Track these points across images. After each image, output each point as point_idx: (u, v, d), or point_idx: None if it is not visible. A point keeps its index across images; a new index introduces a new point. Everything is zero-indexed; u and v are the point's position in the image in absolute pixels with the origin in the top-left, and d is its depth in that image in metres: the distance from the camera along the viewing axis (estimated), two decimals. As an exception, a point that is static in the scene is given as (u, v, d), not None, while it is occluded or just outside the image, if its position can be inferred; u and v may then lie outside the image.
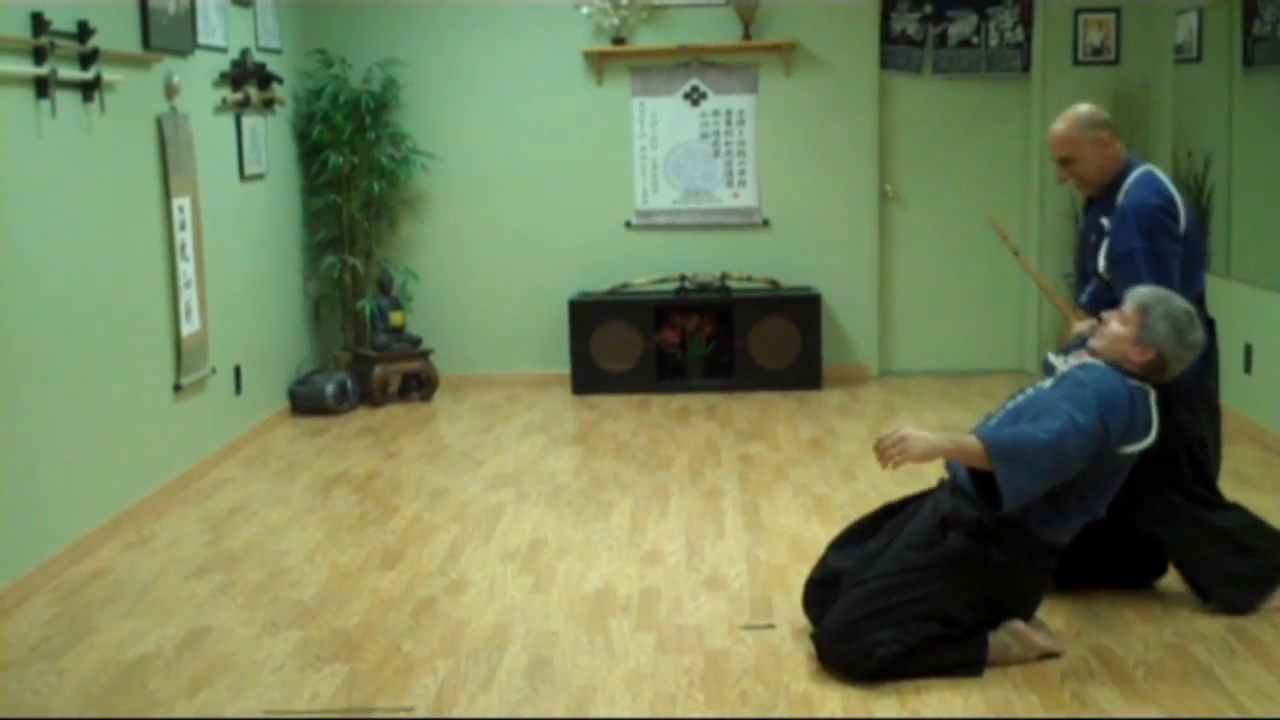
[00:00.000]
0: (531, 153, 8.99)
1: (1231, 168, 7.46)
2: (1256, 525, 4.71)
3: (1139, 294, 4.25)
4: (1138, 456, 4.22)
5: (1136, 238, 4.49)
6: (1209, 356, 4.61)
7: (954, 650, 4.14)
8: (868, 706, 3.95)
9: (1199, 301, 4.63)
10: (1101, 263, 4.61)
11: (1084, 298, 4.78)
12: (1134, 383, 4.17)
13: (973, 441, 4.05)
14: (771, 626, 4.60)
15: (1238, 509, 4.76)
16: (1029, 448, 3.98)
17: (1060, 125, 4.73)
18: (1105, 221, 4.63)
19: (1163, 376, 4.22)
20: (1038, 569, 4.23)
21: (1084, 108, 4.76)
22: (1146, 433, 4.17)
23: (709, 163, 8.98)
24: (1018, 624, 4.22)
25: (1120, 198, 4.60)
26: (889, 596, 4.10)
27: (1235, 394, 7.30)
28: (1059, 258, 8.89)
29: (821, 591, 4.38)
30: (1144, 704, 3.92)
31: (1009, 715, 3.87)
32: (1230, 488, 6.08)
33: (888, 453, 4.02)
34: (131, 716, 4.07)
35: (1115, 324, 4.24)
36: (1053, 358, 4.50)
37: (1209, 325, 4.60)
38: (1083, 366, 4.26)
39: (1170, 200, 4.56)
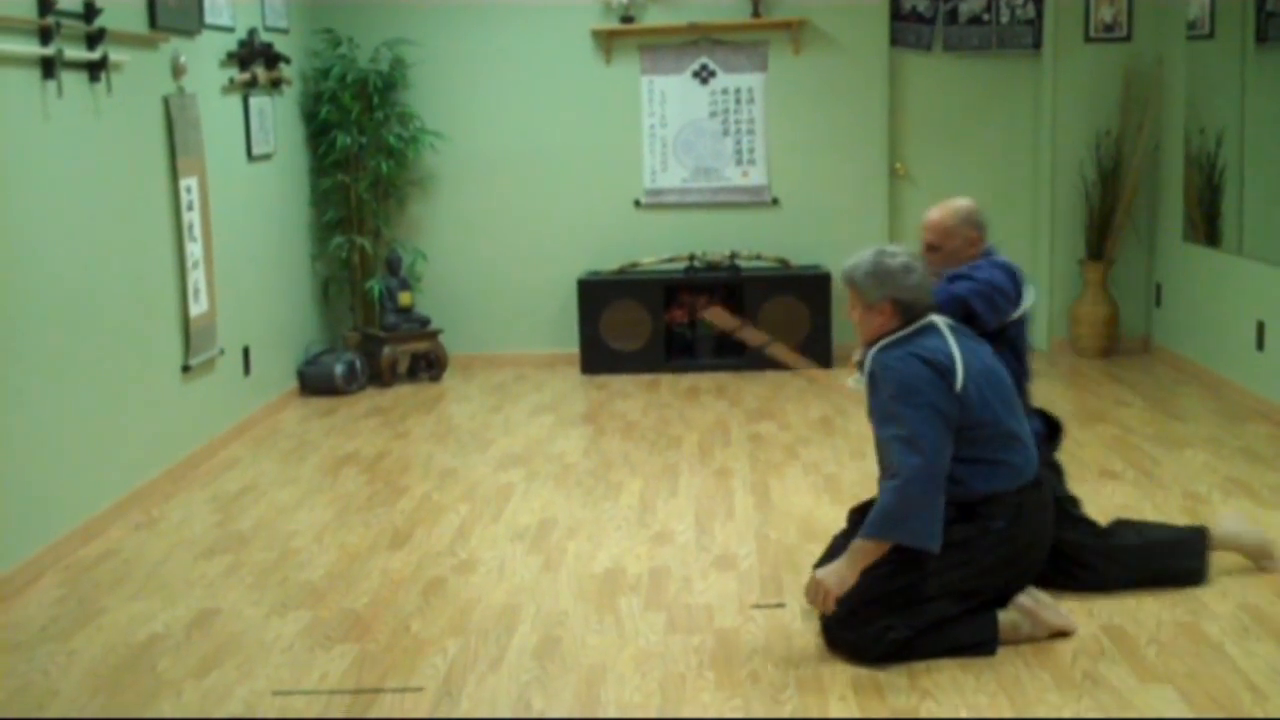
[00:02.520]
0: (540, 132, 8.97)
1: (1244, 145, 7.42)
2: (1141, 526, 4.90)
3: (842, 272, 4.30)
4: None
5: (978, 280, 4.61)
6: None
7: (965, 630, 4.12)
8: (878, 685, 3.94)
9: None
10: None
11: None
12: (914, 345, 4.12)
13: (863, 545, 4.07)
14: (782, 605, 4.59)
15: (1119, 524, 4.88)
16: (894, 506, 4.01)
17: (939, 214, 4.81)
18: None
19: (922, 306, 4.18)
20: (1012, 537, 4.17)
21: (965, 204, 4.85)
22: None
23: (718, 141, 8.95)
24: (1028, 602, 4.20)
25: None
26: (895, 580, 4.08)
27: (1247, 371, 7.29)
28: (1071, 236, 8.86)
29: None
30: (1156, 682, 3.90)
31: (1020, 693, 3.86)
32: (1241, 466, 6.09)
33: (820, 607, 4.12)
34: (141, 698, 4.07)
35: (852, 317, 4.31)
36: (853, 385, 4.51)
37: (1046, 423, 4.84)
38: (870, 376, 4.22)
39: (1011, 281, 4.66)
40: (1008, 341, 4.66)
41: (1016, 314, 4.68)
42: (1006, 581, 4.21)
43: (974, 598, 4.16)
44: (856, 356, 4.45)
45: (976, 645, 4.11)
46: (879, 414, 4.16)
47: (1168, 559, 4.67)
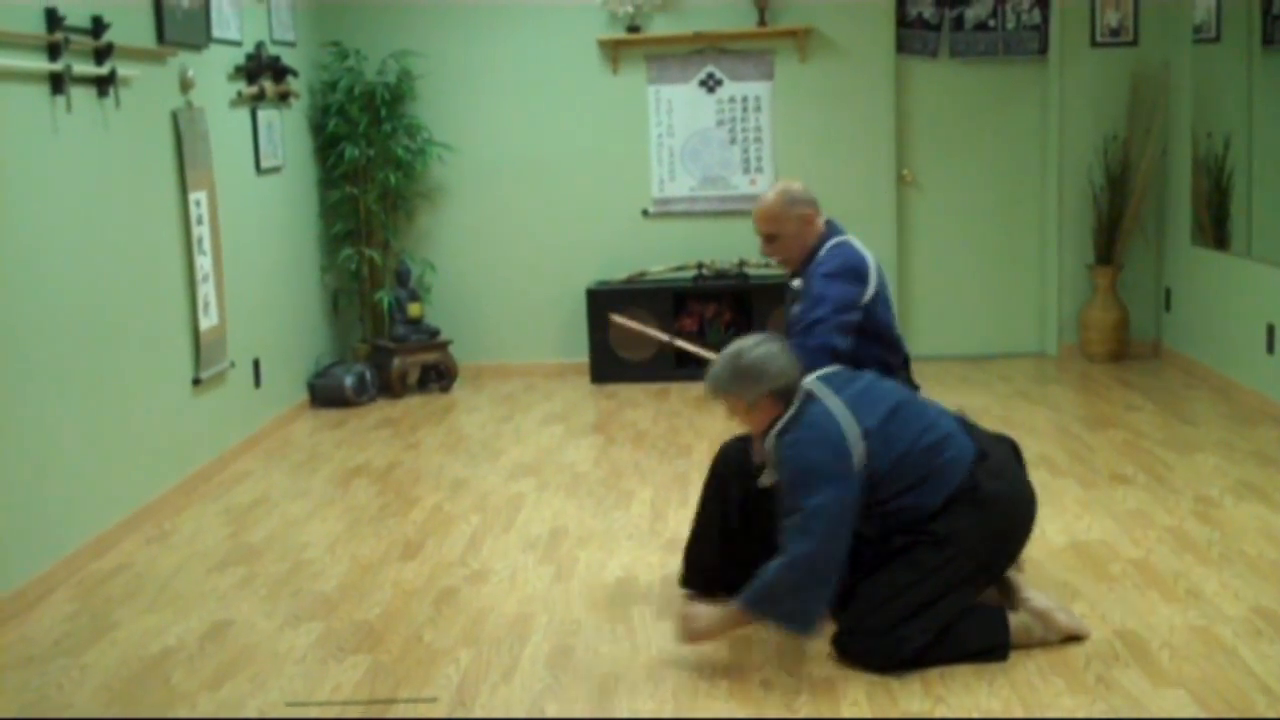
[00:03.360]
0: (547, 142, 8.98)
1: (1251, 148, 7.41)
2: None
3: (706, 388, 4.27)
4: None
5: (819, 283, 4.64)
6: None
7: (977, 634, 4.11)
8: (891, 693, 3.93)
9: (905, 364, 4.84)
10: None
11: None
12: (804, 426, 4.10)
13: (737, 612, 4.11)
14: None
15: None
16: (774, 584, 4.01)
17: (764, 202, 4.81)
18: (795, 283, 4.82)
19: (795, 386, 4.16)
20: (987, 513, 4.12)
21: (789, 184, 4.86)
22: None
23: (725, 150, 8.96)
24: (1040, 604, 4.20)
25: (816, 259, 4.73)
26: (897, 587, 4.06)
27: (1257, 374, 7.28)
28: (1079, 241, 8.85)
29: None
30: (1170, 686, 3.89)
31: (1034, 698, 3.85)
32: (1253, 469, 6.08)
33: (680, 638, 4.23)
34: (155, 712, 4.07)
35: (736, 421, 4.32)
36: (766, 481, 4.43)
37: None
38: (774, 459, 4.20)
39: (859, 264, 4.67)
40: (869, 331, 4.67)
41: (866, 300, 4.64)
42: (1010, 548, 4.22)
43: (985, 575, 4.16)
44: (758, 455, 4.38)
45: (989, 650, 4.10)
46: (782, 493, 4.14)
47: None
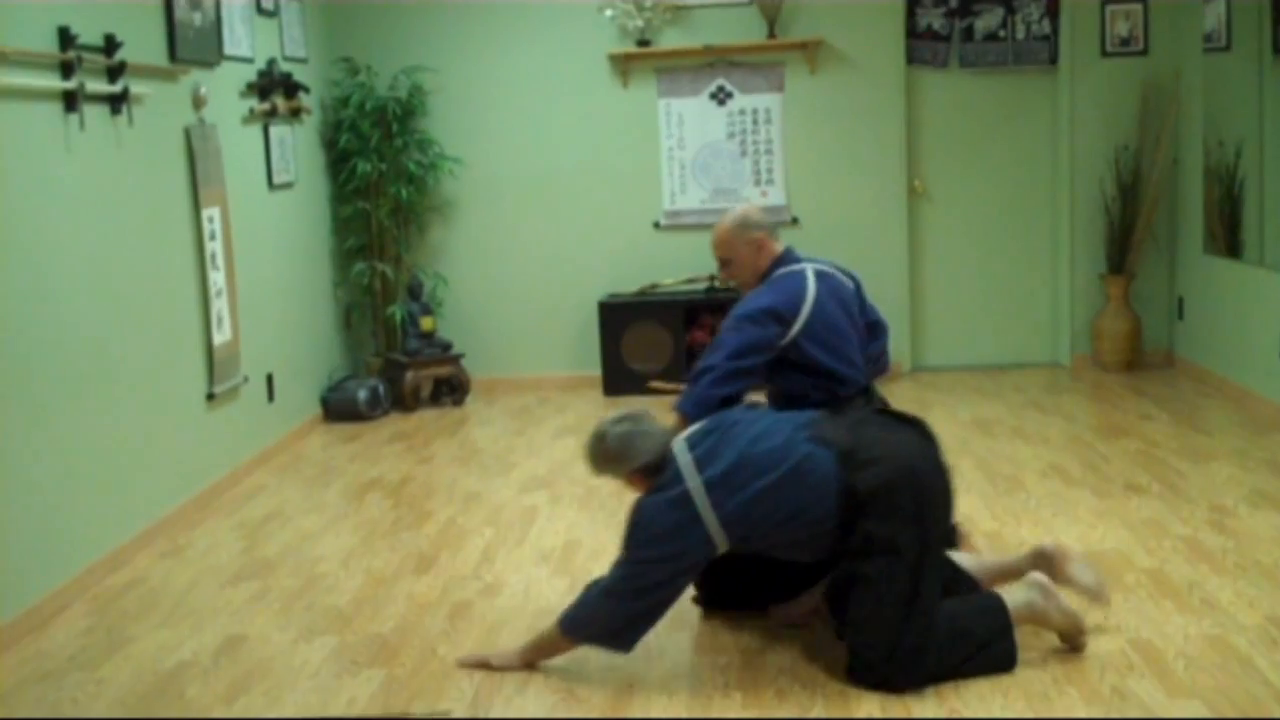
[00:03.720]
0: (558, 156, 9.00)
1: (1263, 156, 7.40)
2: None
3: (587, 464, 4.39)
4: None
5: (727, 325, 4.68)
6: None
7: (979, 622, 4.12)
8: (906, 704, 3.93)
9: (863, 391, 4.75)
10: None
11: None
12: (663, 494, 4.16)
13: (551, 636, 4.27)
14: (808, 625, 4.58)
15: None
16: (588, 609, 4.20)
17: (717, 229, 4.87)
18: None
19: (661, 456, 4.22)
20: (880, 506, 4.05)
21: (741, 210, 4.90)
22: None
23: (736, 162, 8.97)
24: (1041, 578, 4.20)
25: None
26: (870, 607, 4.03)
27: (1271, 383, 7.26)
28: (1092, 251, 8.84)
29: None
30: (1185, 697, 3.88)
31: (1048, 709, 3.85)
32: (1267, 478, 6.07)
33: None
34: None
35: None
36: None
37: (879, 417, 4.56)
38: None
39: (785, 303, 4.63)
40: (799, 366, 4.66)
41: (787, 339, 4.62)
42: (932, 516, 4.10)
43: (932, 555, 4.09)
44: None
45: (998, 634, 4.09)
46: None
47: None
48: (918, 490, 4.05)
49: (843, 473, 4.04)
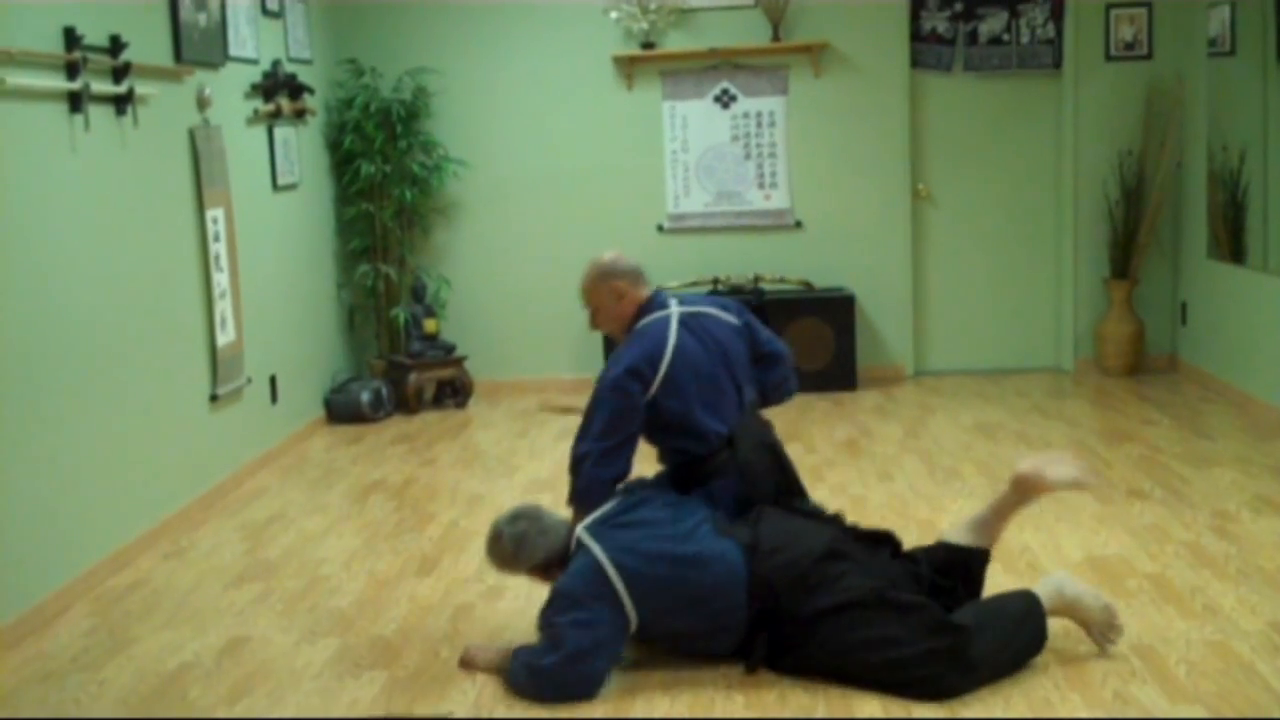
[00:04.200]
0: (563, 158, 9.01)
1: (1267, 161, 7.40)
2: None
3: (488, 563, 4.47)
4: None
5: (590, 405, 4.54)
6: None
7: (1011, 602, 4.18)
8: (907, 708, 3.93)
9: (729, 444, 4.57)
10: None
11: None
12: (567, 575, 4.23)
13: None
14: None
15: None
16: (534, 676, 4.15)
17: (582, 274, 4.74)
18: None
19: (559, 550, 4.28)
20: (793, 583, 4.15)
21: (602, 258, 4.72)
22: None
23: (740, 165, 8.97)
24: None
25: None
26: (873, 646, 4.08)
27: (1274, 388, 7.27)
28: (1095, 255, 8.84)
29: None
30: (1187, 702, 3.88)
31: (1050, 714, 3.85)
32: (1270, 484, 6.06)
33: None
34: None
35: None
36: None
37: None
38: None
39: (640, 362, 4.48)
40: (665, 425, 4.54)
41: (649, 396, 4.47)
42: (801, 539, 4.23)
43: (874, 578, 4.16)
44: None
45: (1030, 610, 4.15)
46: None
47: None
48: (830, 557, 4.16)
49: (750, 564, 4.15)
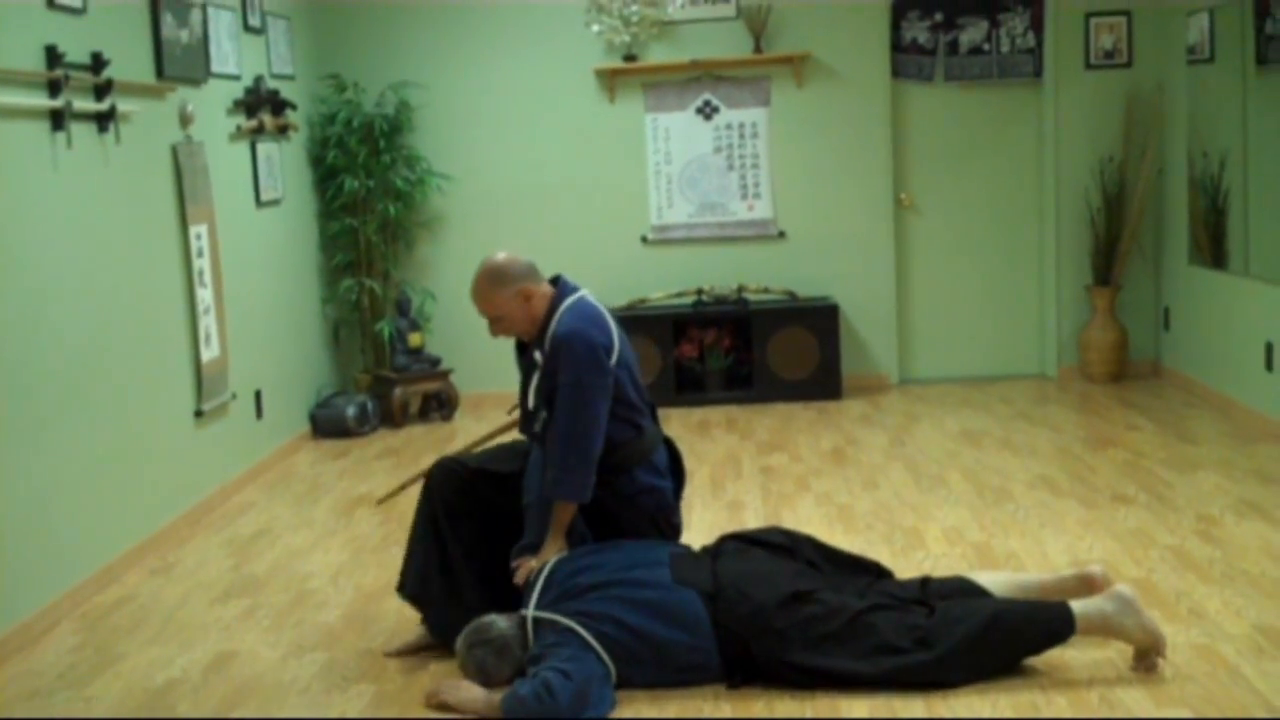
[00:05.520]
0: (546, 171, 9.02)
1: (1247, 167, 7.44)
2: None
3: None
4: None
5: (564, 370, 4.37)
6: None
7: (1042, 622, 4.16)
8: (894, 712, 3.94)
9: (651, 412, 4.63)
10: (532, 398, 4.51)
11: (537, 427, 4.53)
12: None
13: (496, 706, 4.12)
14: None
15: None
16: (542, 707, 3.99)
17: (473, 286, 4.57)
18: (537, 355, 4.50)
19: (522, 661, 4.21)
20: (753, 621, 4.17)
21: (489, 263, 4.57)
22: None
23: (723, 176, 9.00)
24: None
25: (552, 326, 4.46)
26: (865, 648, 4.12)
27: (1257, 392, 7.30)
28: (1078, 262, 8.88)
29: None
30: (1173, 705, 3.90)
31: (1035, 717, 3.86)
32: (1253, 487, 6.09)
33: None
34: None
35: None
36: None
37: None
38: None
39: (605, 336, 4.44)
40: (617, 407, 4.46)
41: (613, 367, 4.42)
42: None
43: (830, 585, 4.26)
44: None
45: (1051, 612, 4.15)
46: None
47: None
48: (795, 600, 4.17)
49: (712, 613, 4.18)
